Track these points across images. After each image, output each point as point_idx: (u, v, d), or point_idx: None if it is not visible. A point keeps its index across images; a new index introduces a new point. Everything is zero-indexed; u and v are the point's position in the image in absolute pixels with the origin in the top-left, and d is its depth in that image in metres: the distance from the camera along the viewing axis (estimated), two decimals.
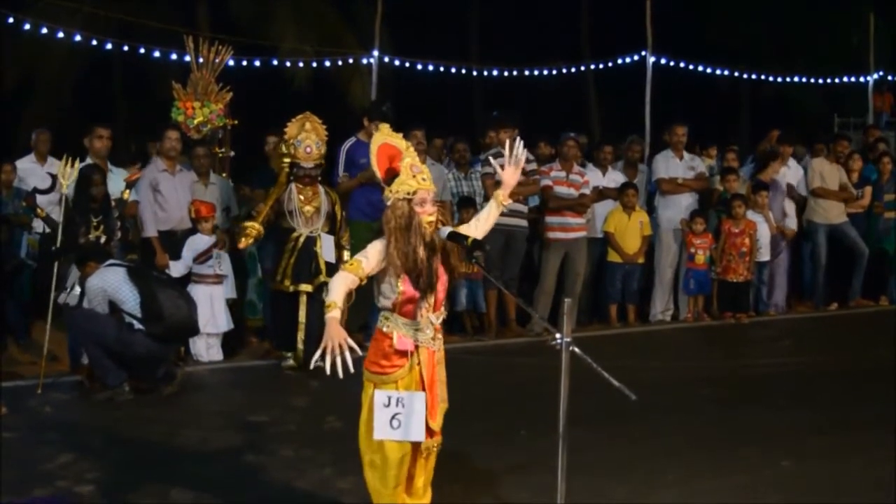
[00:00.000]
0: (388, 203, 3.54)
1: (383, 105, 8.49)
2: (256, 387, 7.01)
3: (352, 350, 3.28)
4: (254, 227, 7.16)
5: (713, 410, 6.20)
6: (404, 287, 3.49)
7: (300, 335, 7.19)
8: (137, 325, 6.31)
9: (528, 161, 8.92)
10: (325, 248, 7.32)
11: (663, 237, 9.77)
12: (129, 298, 6.31)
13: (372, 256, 3.49)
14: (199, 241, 7.69)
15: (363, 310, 8.08)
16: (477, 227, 3.70)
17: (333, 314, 3.33)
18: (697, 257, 9.65)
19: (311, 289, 7.22)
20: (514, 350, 8.29)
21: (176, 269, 7.57)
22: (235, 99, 9.24)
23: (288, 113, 7.46)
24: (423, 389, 3.58)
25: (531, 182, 8.85)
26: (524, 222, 8.85)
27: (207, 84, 9.02)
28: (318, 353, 3.26)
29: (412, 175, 3.51)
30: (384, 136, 3.65)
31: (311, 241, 7.30)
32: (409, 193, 3.49)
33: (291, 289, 7.23)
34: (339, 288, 3.41)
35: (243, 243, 7.19)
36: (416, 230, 3.46)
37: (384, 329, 3.59)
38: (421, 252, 3.46)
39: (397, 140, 3.66)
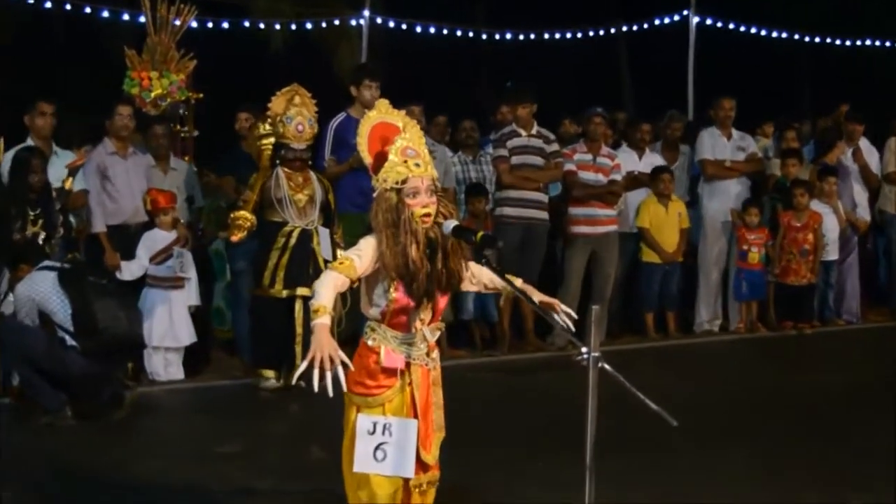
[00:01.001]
0: (375, 194, 3.52)
1: (369, 64, 8.45)
2: (225, 411, 7.00)
3: (343, 365, 3.27)
4: (246, 218, 7.12)
5: (770, 439, 6.18)
6: (397, 294, 3.47)
7: (298, 349, 7.14)
8: (70, 341, 6.31)
9: (548, 141, 8.93)
10: (324, 245, 7.30)
11: (709, 231, 9.75)
12: (59, 309, 6.31)
13: (366, 254, 3.47)
14: (157, 238, 7.69)
15: (354, 318, 8.08)
16: (479, 275, 3.70)
17: (322, 321, 3.31)
18: (750, 256, 9.63)
19: (311, 293, 7.18)
20: (531, 367, 8.28)
21: (129, 270, 7.57)
22: (200, 68, 9.24)
23: (262, 85, 7.46)
24: (416, 415, 3.56)
25: (551, 167, 8.85)
26: (544, 214, 8.84)
27: (166, 50, 9.02)
28: (304, 365, 3.25)
29: (403, 160, 3.48)
30: (381, 115, 3.63)
31: (307, 235, 7.27)
32: (397, 182, 3.47)
33: (285, 294, 7.21)
34: (327, 290, 3.40)
35: (237, 236, 7.15)
36: (406, 226, 3.43)
37: (370, 342, 3.58)
38: (413, 252, 3.43)
39: (396, 117, 3.63)
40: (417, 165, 3.49)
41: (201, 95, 9.31)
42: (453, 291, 3.69)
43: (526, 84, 9.46)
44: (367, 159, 3.58)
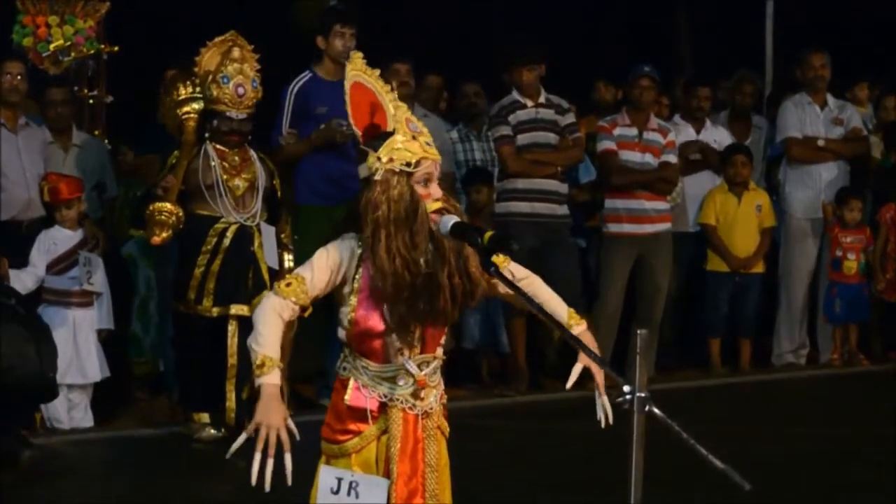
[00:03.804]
0: (377, 177, 3.46)
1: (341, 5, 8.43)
2: (147, 469, 7.02)
3: (291, 437, 3.27)
4: (171, 211, 7.06)
5: None
6: (357, 312, 3.48)
7: (230, 386, 7.18)
8: None
9: (563, 111, 8.92)
10: (267, 247, 7.30)
11: (793, 232, 9.77)
12: None
13: (321, 269, 3.45)
14: (58, 239, 7.70)
15: (316, 349, 8.10)
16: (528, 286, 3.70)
17: (269, 379, 3.31)
18: (846, 265, 9.63)
19: (249, 312, 7.20)
20: (556, 411, 8.27)
21: (19, 281, 7.56)
22: (115, 12, 9.24)
23: (196, 34, 7.44)
24: (389, 474, 3.54)
25: (569, 144, 8.84)
26: (564, 209, 8.84)
27: None
28: (241, 439, 3.27)
29: (411, 136, 3.49)
30: (357, 72, 3.61)
31: (246, 234, 7.26)
32: (407, 164, 3.46)
33: (216, 312, 7.23)
34: (269, 329, 3.37)
35: (160, 236, 7.07)
36: (422, 225, 3.42)
37: (341, 373, 3.61)
38: (423, 262, 3.44)
39: (371, 78, 3.63)
40: (429, 145, 3.49)
41: (116, 49, 9.32)
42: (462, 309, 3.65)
43: (530, 39, 9.45)
44: (357, 129, 3.59)
